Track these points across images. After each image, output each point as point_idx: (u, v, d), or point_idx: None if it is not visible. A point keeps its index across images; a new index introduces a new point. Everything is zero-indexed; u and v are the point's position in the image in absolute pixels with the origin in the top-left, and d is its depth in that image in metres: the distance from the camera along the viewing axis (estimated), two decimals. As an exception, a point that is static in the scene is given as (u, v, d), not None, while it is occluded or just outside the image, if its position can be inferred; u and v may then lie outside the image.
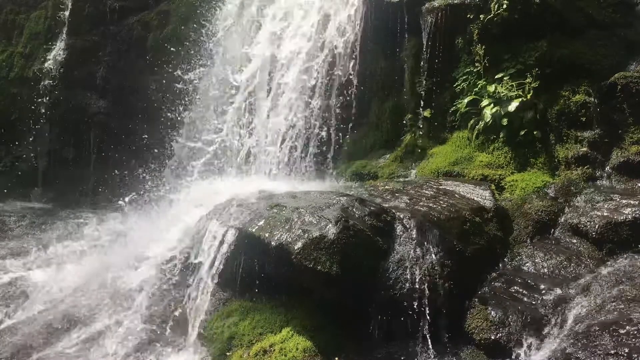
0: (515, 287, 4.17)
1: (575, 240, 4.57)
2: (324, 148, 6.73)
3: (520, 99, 5.42)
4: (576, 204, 4.79)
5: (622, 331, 3.18)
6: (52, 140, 8.96)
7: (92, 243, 6.77)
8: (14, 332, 4.94)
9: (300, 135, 6.61)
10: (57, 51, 8.94)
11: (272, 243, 4.22)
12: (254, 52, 7.09)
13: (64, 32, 8.98)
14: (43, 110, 8.81)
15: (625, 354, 3.00)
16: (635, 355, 2.98)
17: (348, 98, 6.73)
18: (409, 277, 4.07)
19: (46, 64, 8.93)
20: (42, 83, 8.86)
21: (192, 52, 7.74)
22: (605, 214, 4.50)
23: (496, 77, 5.70)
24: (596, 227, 4.46)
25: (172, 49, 8.02)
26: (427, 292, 4.00)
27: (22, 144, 9.07)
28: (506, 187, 5.31)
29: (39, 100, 8.81)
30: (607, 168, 5.11)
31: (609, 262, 4.23)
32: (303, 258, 4.01)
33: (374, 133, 6.84)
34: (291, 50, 6.81)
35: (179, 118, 7.70)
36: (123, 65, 8.76)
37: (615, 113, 5.17)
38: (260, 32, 7.19)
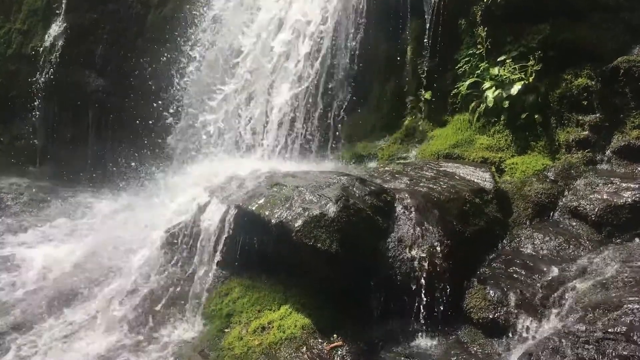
0: (514, 268, 4.19)
1: (574, 223, 4.58)
2: (324, 130, 6.70)
3: (522, 82, 5.38)
4: (576, 187, 4.79)
5: (620, 310, 3.19)
6: (51, 118, 8.88)
7: (90, 221, 6.77)
8: (12, 307, 4.96)
9: (299, 117, 6.58)
10: (56, 28, 8.84)
11: (272, 221, 4.21)
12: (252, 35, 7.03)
13: (63, 9, 8.87)
14: (41, 88, 8.74)
15: (623, 332, 3.02)
16: (633, 334, 3.00)
17: (349, 80, 6.69)
18: (408, 256, 4.08)
19: (45, 41, 8.84)
20: (40, 60, 8.77)
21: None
22: (604, 197, 4.51)
23: (498, 59, 5.64)
24: (595, 210, 4.46)
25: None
26: (425, 271, 4.01)
27: (20, 122, 9.01)
28: (506, 169, 5.30)
29: (37, 77, 8.73)
30: (608, 152, 5.10)
31: (607, 245, 4.25)
32: (303, 236, 4.01)
33: (374, 115, 6.81)
34: (292, 31, 6.75)
35: (177, 98, 7.66)
36: (122, 44, 8.66)
37: (617, 97, 5.16)
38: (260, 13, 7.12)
